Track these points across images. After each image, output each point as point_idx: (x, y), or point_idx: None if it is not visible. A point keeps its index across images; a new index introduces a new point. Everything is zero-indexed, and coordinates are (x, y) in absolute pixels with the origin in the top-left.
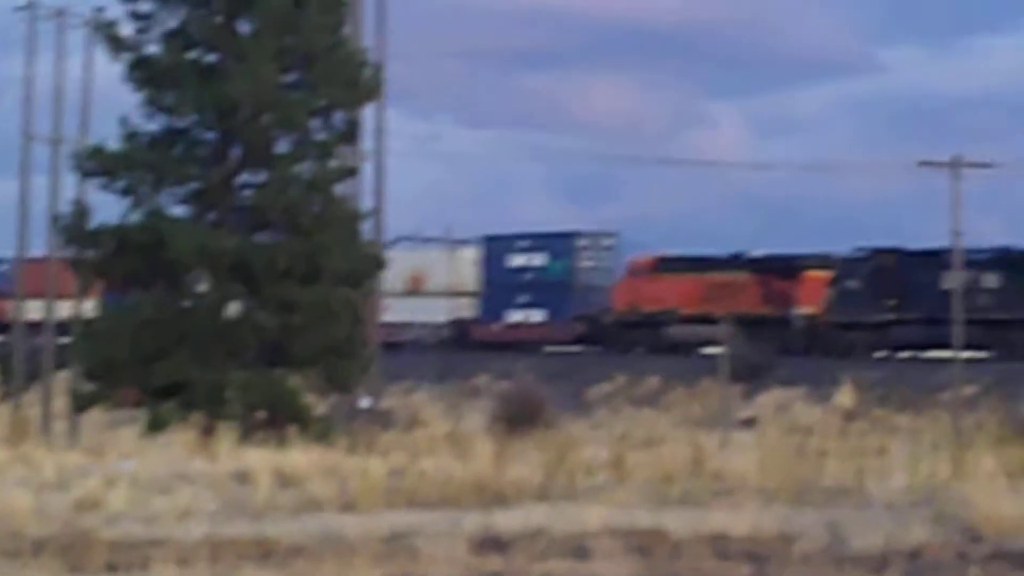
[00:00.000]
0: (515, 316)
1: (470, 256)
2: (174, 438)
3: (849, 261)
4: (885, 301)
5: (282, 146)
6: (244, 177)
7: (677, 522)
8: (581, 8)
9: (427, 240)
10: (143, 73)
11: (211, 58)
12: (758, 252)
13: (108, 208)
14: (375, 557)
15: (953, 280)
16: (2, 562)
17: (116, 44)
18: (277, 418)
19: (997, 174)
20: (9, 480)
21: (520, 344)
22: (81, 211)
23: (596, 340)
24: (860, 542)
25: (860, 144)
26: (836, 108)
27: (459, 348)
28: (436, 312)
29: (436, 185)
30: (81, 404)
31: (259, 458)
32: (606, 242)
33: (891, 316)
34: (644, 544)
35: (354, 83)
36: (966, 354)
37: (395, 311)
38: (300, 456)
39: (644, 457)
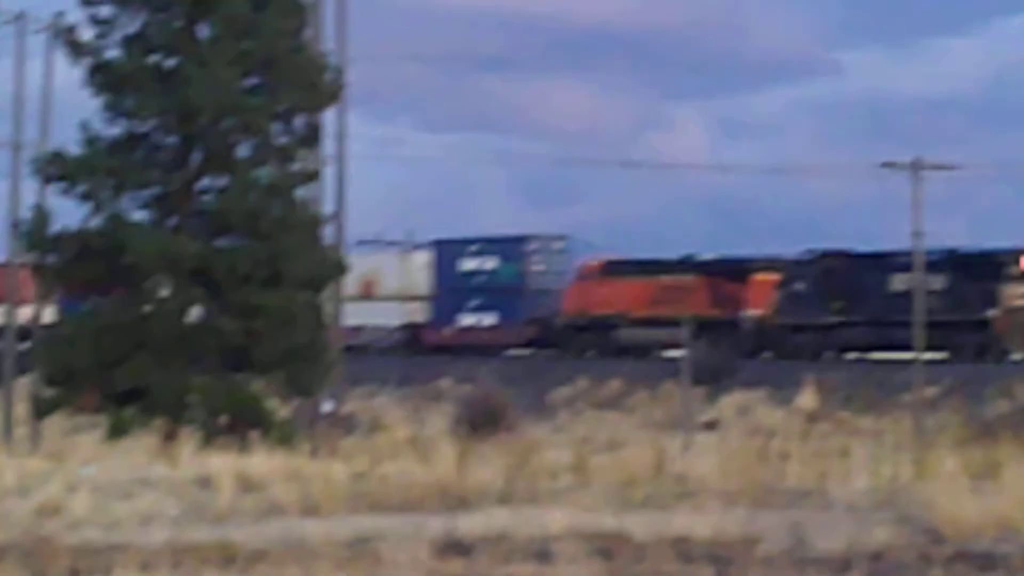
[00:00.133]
0: (467, 320)
1: (422, 260)
2: (136, 443)
3: (796, 264)
4: (832, 303)
5: (243, 150)
6: (205, 182)
7: (640, 525)
8: (541, 11)
9: (389, 244)
10: (103, 78)
11: (171, 62)
12: (708, 255)
13: (69, 213)
14: (338, 562)
15: (912, 282)
16: None
17: (76, 49)
18: (239, 423)
19: (958, 176)
20: None
21: (472, 348)
22: (42, 216)
23: (547, 343)
24: (823, 544)
25: (821, 146)
26: (796, 110)
27: (411, 352)
28: (389, 316)
29: (397, 189)
30: (42, 410)
31: (221, 463)
32: (557, 245)
33: (838, 318)
34: (607, 547)
35: (315, 87)
36: (924, 355)
37: (348, 315)
38: (262, 461)
39: (606, 460)
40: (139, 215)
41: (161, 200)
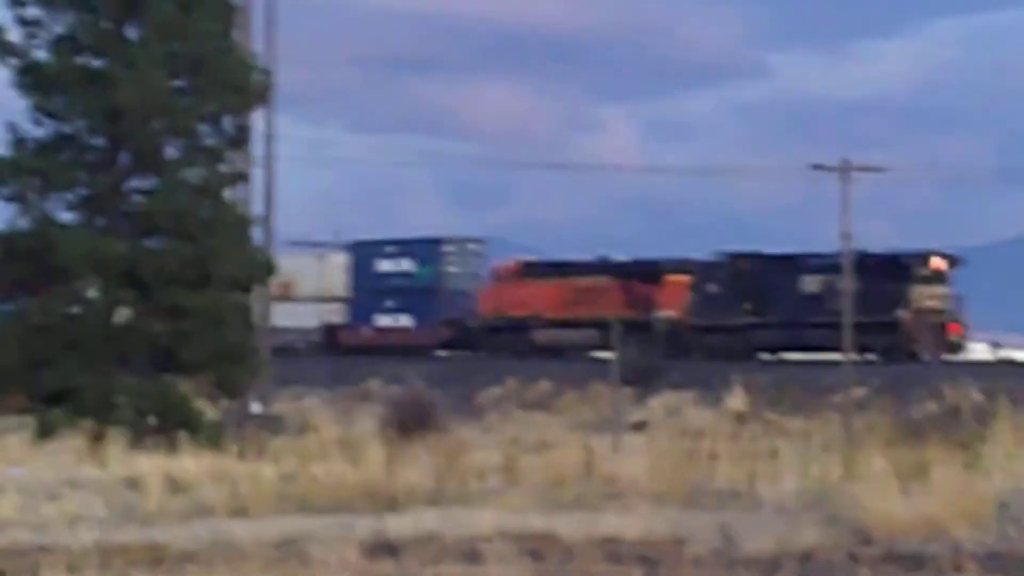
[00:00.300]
0: (383, 321)
1: (339, 262)
2: (63, 445)
3: (708, 266)
4: (743, 305)
5: (171, 151)
6: (133, 183)
7: (569, 526)
8: (471, 14)
9: (315, 244)
10: (31, 79)
11: (99, 64)
12: (622, 257)
13: None
14: (266, 562)
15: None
16: None
17: (4, 49)
18: (167, 424)
19: (886, 178)
20: None
21: (388, 349)
22: None
23: (463, 344)
24: (752, 545)
25: (751, 148)
26: (726, 112)
27: (329, 353)
28: (306, 317)
29: (327, 190)
30: None
31: (149, 464)
32: (473, 247)
33: (750, 319)
34: (536, 548)
35: (243, 88)
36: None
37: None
38: (191, 462)
39: (536, 461)
40: (67, 216)
41: (89, 201)
